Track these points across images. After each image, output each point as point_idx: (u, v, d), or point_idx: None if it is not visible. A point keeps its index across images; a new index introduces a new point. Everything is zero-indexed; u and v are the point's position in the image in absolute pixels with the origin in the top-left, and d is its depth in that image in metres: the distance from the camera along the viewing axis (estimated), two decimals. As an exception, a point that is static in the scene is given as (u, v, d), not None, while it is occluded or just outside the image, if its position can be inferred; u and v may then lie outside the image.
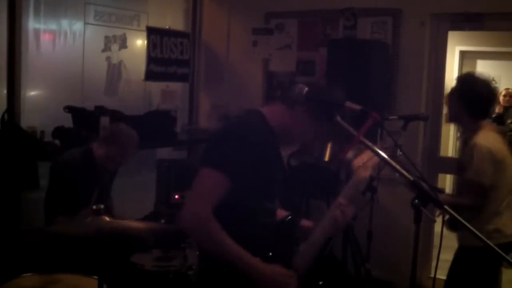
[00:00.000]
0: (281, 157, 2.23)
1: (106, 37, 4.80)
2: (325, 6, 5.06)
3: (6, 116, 3.92)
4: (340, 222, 2.16)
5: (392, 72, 4.77)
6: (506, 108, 6.93)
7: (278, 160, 2.21)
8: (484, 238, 1.88)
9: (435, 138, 4.90)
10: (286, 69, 5.31)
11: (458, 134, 7.14)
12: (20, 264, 3.18)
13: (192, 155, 5.58)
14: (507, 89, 7.07)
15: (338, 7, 4.97)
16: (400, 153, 3.12)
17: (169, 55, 5.21)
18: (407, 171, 1.96)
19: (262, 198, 2.15)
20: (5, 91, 3.99)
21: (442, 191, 3.70)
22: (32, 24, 4.18)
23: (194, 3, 5.71)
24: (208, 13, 5.74)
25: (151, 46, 5.00)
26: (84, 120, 4.26)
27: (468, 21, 4.57)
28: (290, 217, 2.26)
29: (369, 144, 2.02)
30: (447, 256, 3.42)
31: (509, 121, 6.78)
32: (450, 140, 7.33)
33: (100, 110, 4.43)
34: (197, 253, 2.36)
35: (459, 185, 3.38)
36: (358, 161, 2.20)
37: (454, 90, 3.35)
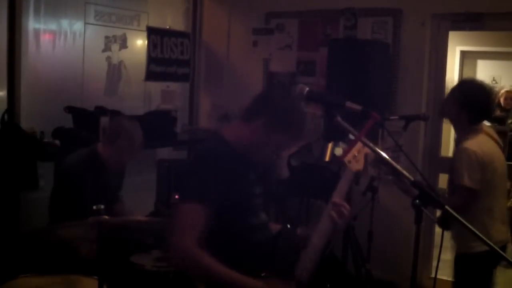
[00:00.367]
0: (257, 171, 2.25)
1: (106, 37, 4.79)
2: (326, 6, 5.06)
3: (6, 116, 3.92)
4: (338, 223, 2.16)
5: (393, 72, 4.77)
6: (507, 111, 6.92)
7: (253, 174, 2.22)
8: (483, 237, 1.87)
9: (436, 138, 4.90)
10: (286, 69, 5.31)
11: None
12: (20, 264, 3.18)
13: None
14: (508, 91, 7.04)
15: (338, 7, 4.97)
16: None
17: (169, 55, 5.21)
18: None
19: (245, 216, 2.16)
20: (5, 91, 3.99)
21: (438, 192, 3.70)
22: (32, 24, 4.18)
23: (195, 3, 5.70)
24: (209, 13, 5.74)
25: (151, 46, 5.00)
26: (84, 121, 4.25)
27: (468, 21, 4.56)
28: (287, 226, 2.25)
29: (370, 144, 2.02)
30: (447, 256, 3.42)
31: (509, 121, 6.78)
32: (450, 140, 7.32)
33: (100, 111, 4.43)
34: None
35: (449, 186, 3.40)
36: (349, 156, 2.19)
37: (453, 94, 3.34)
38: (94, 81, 4.72)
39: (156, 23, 5.14)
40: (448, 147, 7.24)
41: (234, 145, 2.17)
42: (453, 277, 3.41)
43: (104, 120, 4.19)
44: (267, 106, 2.16)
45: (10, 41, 3.97)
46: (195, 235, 2.00)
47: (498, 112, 6.72)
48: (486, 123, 3.59)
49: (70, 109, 4.23)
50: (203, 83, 5.80)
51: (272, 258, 2.15)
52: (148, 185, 4.80)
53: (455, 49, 7.31)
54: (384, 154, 2.03)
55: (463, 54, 7.60)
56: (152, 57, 5.01)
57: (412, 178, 1.93)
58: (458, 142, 3.38)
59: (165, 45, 5.15)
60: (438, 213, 3.17)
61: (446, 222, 3.08)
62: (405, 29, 4.77)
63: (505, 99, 6.96)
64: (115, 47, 4.87)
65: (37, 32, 4.23)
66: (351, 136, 2.13)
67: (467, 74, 7.55)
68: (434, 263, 3.30)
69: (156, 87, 5.25)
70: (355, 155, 2.20)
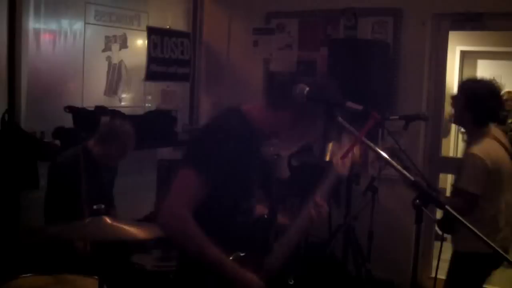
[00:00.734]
0: (260, 157, 2.22)
1: (107, 37, 4.79)
2: (326, 6, 5.06)
3: (6, 116, 3.91)
4: (315, 221, 2.17)
5: (393, 72, 4.76)
6: (508, 110, 6.90)
7: (256, 160, 2.20)
8: (485, 238, 1.86)
9: (436, 138, 4.90)
10: (286, 69, 5.30)
11: (461, 135, 7.14)
12: (20, 264, 3.17)
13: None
14: (509, 92, 7.03)
15: (339, 7, 4.97)
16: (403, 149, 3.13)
17: (170, 55, 5.21)
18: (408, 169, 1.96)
19: (237, 198, 2.15)
20: (5, 91, 3.99)
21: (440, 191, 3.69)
22: (32, 24, 4.17)
23: (195, 3, 5.70)
24: (209, 13, 5.73)
25: (151, 46, 5.00)
26: (85, 120, 4.25)
27: (468, 21, 4.56)
28: (265, 215, 2.25)
29: (371, 144, 2.02)
30: (448, 256, 3.41)
31: (510, 120, 6.77)
32: (451, 140, 7.32)
33: (101, 110, 4.43)
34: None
35: (454, 187, 3.38)
36: (337, 157, 2.19)
37: (460, 95, 3.31)
38: (94, 80, 4.72)
39: (156, 23, 5.14)
40: (449, 147, 7.23)
41: (255, 125, 2.12)
42: (447, 272, 3.36)
43: (105, 120, 4.19)
44: (296, 103, 2.06)
45: (10, 41, 3.97)
46: (187, 201, 1.99)
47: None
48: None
49: (70, 109, 4.23)
50: (203, 83, 5.80)
51: (247, 242, 2.14)
52: (148, 185, 4.80)
53: (455, 49, 7.30)
54: (384, 154, 2.03)
55: (463, 54, 7.58)
56: (152, 57, 5.01)
57: (412, 178, 1.93)
58: (467, 145, 3.35)
59: (165, 45, 5.15)
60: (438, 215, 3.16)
61: (446, 225, 3.06)
62: (405, 29, 4.77)
63: (506, 100, 6.95)
64: (115, 47, 4.87)
65: (37, 32, 4.22)
66: (347, 135, 2.12)
67: (467, 74, 7.54)
68: (434, 263, 3.29)
69: (156, 87, 5.25)
70: (341, 158, 2.21)
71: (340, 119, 2.05)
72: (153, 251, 3.43)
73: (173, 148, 5.38)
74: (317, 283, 4.19)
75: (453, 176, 6.03)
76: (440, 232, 3.10)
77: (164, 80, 5.26)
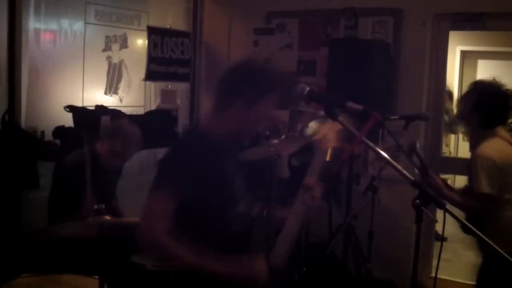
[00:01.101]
0: (241, 162, 2.25)
1: (107, 37, 4.79)
2: (326, 5, 5.06)
3: (6, 116, 3.91)
4: (311, 205, 2.16)
5: (393, 72, 4.76)
6: None
7: (233, 164, 2.21)
8: (491, 242, 1.86)
9: (437, 137, 4.90)
10: (287, 69, 5.30)
11: (461, 135, 7.14)
12: (20, 264, 3.17)
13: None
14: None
15: (339, 6, 4.97)
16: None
17: (170, 55, 5.20)
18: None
19: (222, 208, 2.15)
20: (5, 91, 3.99)
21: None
22: (33, 23, 4.17)
23: (195, 3, 5.70)
24: (209, 12, 5.73)
25: (151, 45, 5.00)
26: (85, 120, 4.25)
27: (469, 21, 4.56)
28: (264, 213, 2.25)
29: (371, 144, 2.02)
30: (448, 256, 3.41)
31: (510, 120, 6.76)
32: (451, 140, 7.32)
33: (101, 110, 4.43)
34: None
35: (468, 187, 3.32)
36: (319, 135, 2.18)
37: (469, 97, 3.28)
38: (94, 80, 4.72)
39: (156, 22, 5.13)
40: (449, 146, 7.24)
41: (213, 138, 2.14)
42: (477, 278, 3.25)
43: (105, 119, 4.19)
44: (237, 91, 2.11)
45: (10, 40, 3.96)
46: (163, 223, 2.02)
47: None
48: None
49: (70, 108, 4.23)
50: (203, 83, 5.79)
51: (247, 246, 2.16)
52: (148, 185, 4.78)
53: (456, 49, 7.31)
54: (384, 154, 2.03)
55: (464, 54, 7.60)
56: (153, 57, 5.01)
57: (412, 178, 1.93)
58: (472, 148, 3.32)
59: (166, 44, 5.14)
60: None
61: (468, 226, 3.01)
62: (405, 29, 4.77)
63: None
64: (115, 46, 4.87)
65: (37, 32, 4.22)
66: (322, 114, 2.11)
67: (467, 74, 7.56)
68: (435, 263, 3.28)
69: (157, 87, 5.25)
70: (324, 134, 2.18)
71: (341, 119, 2.05)
72: (153, 251, 3.42)
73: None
74: (317, 283, 4.19)
75: (453, 176, 6.07)
76: (440, 233, 3.06)
77: (164, 80, 5.26)
